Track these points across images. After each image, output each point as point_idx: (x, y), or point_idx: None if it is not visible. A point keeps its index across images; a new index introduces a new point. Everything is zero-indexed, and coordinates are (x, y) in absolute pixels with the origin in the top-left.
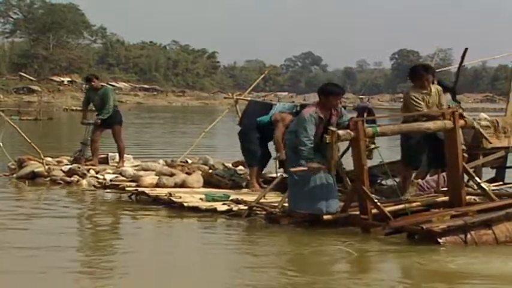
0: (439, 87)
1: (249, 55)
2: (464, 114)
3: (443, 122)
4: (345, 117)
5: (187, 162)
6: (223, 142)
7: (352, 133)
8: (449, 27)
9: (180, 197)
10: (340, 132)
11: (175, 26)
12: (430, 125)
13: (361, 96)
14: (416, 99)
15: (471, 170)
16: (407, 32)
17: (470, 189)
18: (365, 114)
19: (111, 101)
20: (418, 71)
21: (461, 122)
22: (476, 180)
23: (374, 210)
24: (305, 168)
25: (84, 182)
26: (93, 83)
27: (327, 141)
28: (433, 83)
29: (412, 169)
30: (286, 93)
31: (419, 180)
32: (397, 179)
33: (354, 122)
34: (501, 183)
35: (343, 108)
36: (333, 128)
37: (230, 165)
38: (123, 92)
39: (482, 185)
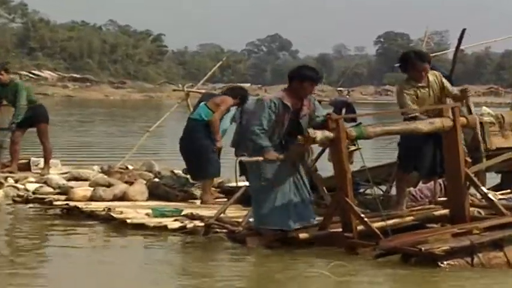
0: (437, 72)
1: (203, 38)
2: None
3: (440, 120)
4: (319, 111)
5: (127, 168)
6: (171, 144)
7: (330, 134)
8: (446, 5)
9: (122, 213)
10: (318, 135)
11: (113, 2)
12: (425, 124)
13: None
14: (403, 98)
15: (475, 177)
16: (394, 10)
17: (473, 199)
18: (343, 111)
19: (23, 99)
20: (411, 59)
21: (463, 119)
22: (482, 189)
23: (360, 226)
24: (259, 157)
25: (0, 193)
26: (0, 77)
27: (301, 142)
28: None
29: (407, 175)
30: (248, 84)
31: (411, 188)
32: (384, 187)
33: (334, 119)
34: (509, 191)
35: (316, 101)
36: (311, 131)
37: (180, 173)
38: (49, 83)
39: (490, 195)
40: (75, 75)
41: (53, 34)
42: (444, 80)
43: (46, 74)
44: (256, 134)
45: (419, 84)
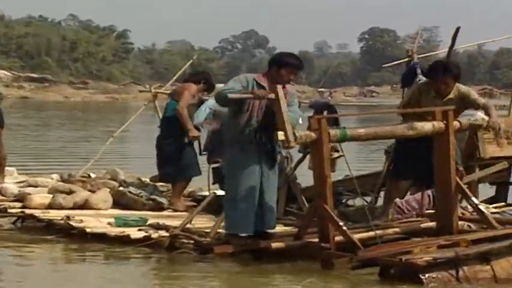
0: (466, 92)
1: (172, 34)
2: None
3: (431, 123)
4: (294, 106)
5: (89, 176)
6: (138, 150)
7: (312, 134)
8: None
9: (82, 221)
10: (299, 132)
11: None
12: (418, 127)
13: (320, 90)
14: (410, 95)
15: (466, 188)
16: (379, 3)
17: (464, 212)
18: (325, 114)
19: None
20: (436, 69)
21: (455, 123)
22: (473, 201)
23: (338, 237)
24: (249, 95)
25: None
26: None
27: (280, 140)
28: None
29: (398, 183)
30: (222, 84)
31: (397, 199)
32: (369, 198)
33: (316, 119)
34: (503, 204)
35: (294, 93)
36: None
37: (148, 180)
38: (3, 82)
39: (481, 207)
40: (31, 74)
41: (7, 30)
42: (468, 94)
43: (0, 73)
44: (223, 91)
45: (434, 94)
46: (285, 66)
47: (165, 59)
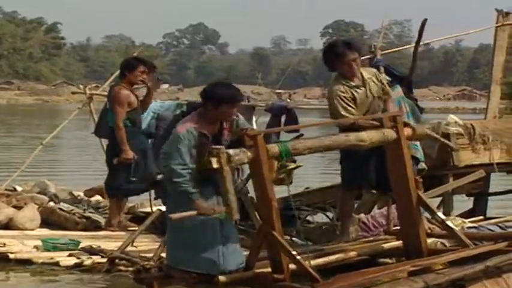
0: (376, 70)
1: (110, 28)
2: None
3: (381, 131)
4: (242, 125)
5: (15, 189)
6: (71, 159)
7: (248, 153)
8: None
9: (5, 245)
10: (232, 151)
11: None
12: (364, 136)
13: (278, 91)
14: (336, 105)
15: (430, 201)
16: None
17: (433, 227)
18: (282, 120)
19: None
20: (336, 48)
21: (408, 130)
22: (438, 216)
23: (293, 265)
24: (192, 212)
25: None
26: None
27: (214, 166)
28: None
29: (352, 193)
30: (166, 85)
31: (362, 215)
32: (331, 214)
33: (249, 134)
34: (481, 217)
35: (239, 116)
36: (217, 147)
37: (81, 195)
38: None
39: (449, 223)
40: None
41: None
42: (382, 77)
43: None
44: (178, 175)
45: (353, 84)
46: (223, 103)
47: (102, 56)
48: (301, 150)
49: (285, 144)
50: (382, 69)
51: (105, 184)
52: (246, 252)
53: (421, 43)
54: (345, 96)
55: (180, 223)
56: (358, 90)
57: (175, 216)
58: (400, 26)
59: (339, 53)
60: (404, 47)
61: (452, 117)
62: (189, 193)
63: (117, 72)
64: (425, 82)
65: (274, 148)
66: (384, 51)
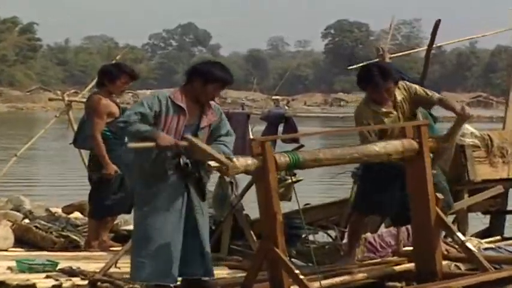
0: (405, 84)
1: (90, 28)
2: None
3: (401, 142)
4: (223, 129)
5: None
6: (48, 173)
7: (254, 162)
8: None
9: None
10: (241, 163)
11: None
12: (380, 147)
13: (275, 97)
14: (365, 134)
15: (449, 220)
16: None
17: (449, 248)
18: (280, 129)
19: None
20: (371, 76)
21: (431, 141)
22: (458, 236)
23: (295, 287)
24: (150, 144)
25: None
26: None
27: (215, 168)
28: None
29: (363, 215)
30: (152, 91)
31: (369, 234)
32: (335, 233)
33: (259, 141)
34: (499, 237)
35: (218, 108)
36: (232, 158)
37: (59, 212)
38: None
39: (469, 244)
40: None
41: None
42: (414, 87)
43: None
44: (124, 122)
45: (384, 110)
46: (214, 81)
47: (82, 59)
48: (313, 162)
49: (294, 154)
50: None
51: (89, 203)
52: (242, 275)
53: (433, 46)
54: (368, 121)
55: (143, 224)
56: (388, 116)
57: (131, 144)
58: (408, 26)
59: (373, 82)
60: (416, 50)
61: (468, 128)
62: (143, 131)
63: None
64: (436, 88)
65: (284, 157)
66: (393, 55)
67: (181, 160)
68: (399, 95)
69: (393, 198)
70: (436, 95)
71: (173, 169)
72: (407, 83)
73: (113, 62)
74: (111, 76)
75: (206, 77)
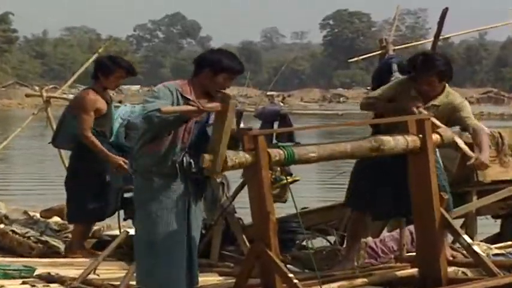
0: (457, 102)
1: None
2: None
3: (403, 138)
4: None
5: None
6: (25, 174)
7: (247, 156)
8: None
9: None
10: (231, 157)
11: None
12: (384, 141)
13: (269, 93)
14: (386, 91)
15: (455, 222)
16: None
17: (455, 253)
18: (275, 126)
19: None
20: (416, 62)
21: (435, 136)
22: (464, 240)
23: None
24: (182, 107)
25: None
26: None
27: (203, 166)
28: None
29: (361, 214)
30: (138, 86)
31: (369, 238)
32: (333, 238)
33: (251, 135)
34: (510, 243)
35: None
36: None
37: (37, 215)
38: None
39: (476, 248)
40: None
41: None
42: (461, 113)
43: None
44: (148, 116)
45: (415, 95)
46: (223, 71)
47: (61, 52)
48: (310, 156)
49: (288, 148)
50: (395, 67)
51: (67, 207)
52: (232, 280)
53: (440, 37)
54: (391, 95)
55: (151, 234)
56: (412, 101)
57: (165, 108)
58: (413, 16)
59: (419, 74)
60: (421, 41)
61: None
62: (155, 110)
63: (80, 71)
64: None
65: (277, 152)
66: (398, 47)
67: (184, 159)
68: (439, 102)
69: (386, 195)
70: (474, 122)
71: (176, 168)
72: (457, 95)
73: (96, 55)
74: (106, 70)
75: (216, 68)
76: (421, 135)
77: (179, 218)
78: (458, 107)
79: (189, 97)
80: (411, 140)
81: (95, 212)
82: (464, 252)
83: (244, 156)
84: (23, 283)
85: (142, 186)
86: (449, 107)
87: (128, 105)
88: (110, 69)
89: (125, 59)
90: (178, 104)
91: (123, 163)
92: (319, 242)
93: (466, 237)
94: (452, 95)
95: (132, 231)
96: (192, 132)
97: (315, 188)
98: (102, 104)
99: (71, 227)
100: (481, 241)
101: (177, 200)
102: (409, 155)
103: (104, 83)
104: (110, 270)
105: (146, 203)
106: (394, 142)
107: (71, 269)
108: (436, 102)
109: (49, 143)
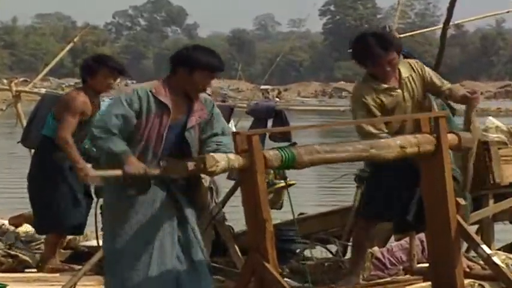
0: (414, 61)
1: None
2: None
3: (414, 138)
4: (217, 125)
5: None
6: None
7: (239, 159)
8: None
9: None
10: (221, 162)
11: None
12: (389, 143)
13: (264, 87)
14: (358, 111)
15: (472, 230)
16: None
17: (471, 264)
18: (269, 125)
19: None
20: (369, 47)
21: (452, 137)
22: (482, 250)
23: None
24: (117, 171)
25: None
26: None
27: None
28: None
29: (370, 224)
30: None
31: (376, 248)
32: (336, 247)
33: (245, 135)
34: None
35: (217, 110)
36: (212, 156)
37: (6, 224)
38: None
39: (496, 259)
40: None
41: None
42: (427, 70)
43: None
44: (97, 138)
45: (386, 86)
46: (200, 69)
47: (32, 41)
48: (310, 159)
49: (287, 150)
50: (401, 57)
51: (34, 217)
52: None
53: (450, 24)
54: (373, 106)
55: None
56: (390, 93)
57: (95, 172)
58: (423, 2)
59: (373, 54)
60: (429, 29)
61: (493, 121)
62: (116, 152)
63: (53, 62)
64: (456, 75)
65: (275, 155)
66: (403, 34)
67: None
68: (406, 72)
69: (400, 201)
70: (447, 84)
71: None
72: (419, 62)
73: (70, 44)
74: (90, 70)
75: (192, 65)
76: (435, 135)
77: (156, 228)
78: (425, 72)
79: (163, 100)
80: (424, 140)
81: (70, 221)
82: (481, 262)
83: (237, 159)
84: None
85: (109, 197)
86: (418, 75)
87: (106, 100)
88: (94, 68)
89: (112, 57)
90: (149, 108)
91: (86, 174)
92: (318, 252)
93: (485, 247)
94: (403, 62)
95: None
96: (165, 140)
97: (312, 192)
98: (87, 107)
99: (43, 237)
100: (499, 249)
101: (159, 209)
102: (421, 156)
103: (93, 85)
104: (88, 286)
105: (115, 217)
106: (406, 141)
107: (46, 285)
108: (404, 75)
109: (18, 142)
